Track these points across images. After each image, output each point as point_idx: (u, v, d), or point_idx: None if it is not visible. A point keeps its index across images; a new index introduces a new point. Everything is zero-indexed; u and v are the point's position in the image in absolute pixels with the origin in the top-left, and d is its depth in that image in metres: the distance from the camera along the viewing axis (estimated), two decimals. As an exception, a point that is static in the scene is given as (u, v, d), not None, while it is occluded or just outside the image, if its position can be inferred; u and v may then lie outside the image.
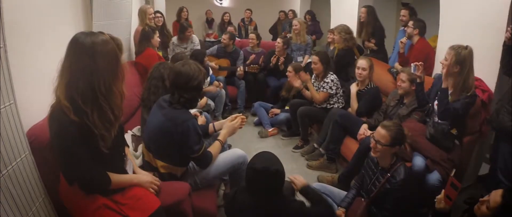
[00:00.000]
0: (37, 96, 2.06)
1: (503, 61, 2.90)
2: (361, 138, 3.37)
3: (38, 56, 2.22)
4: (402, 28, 4.75)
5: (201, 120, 3.13)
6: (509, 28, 2.73)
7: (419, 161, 2.86)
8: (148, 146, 2.51)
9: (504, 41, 2.84)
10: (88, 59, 1.60)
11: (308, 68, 5.21)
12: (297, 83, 4.30)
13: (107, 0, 3.48)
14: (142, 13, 4.65)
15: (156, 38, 4.11)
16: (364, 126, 3.45)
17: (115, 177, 1.85)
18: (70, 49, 1.62)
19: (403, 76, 3.36)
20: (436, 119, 2.92)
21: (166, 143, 2.35)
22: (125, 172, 2.01)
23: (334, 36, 4.89)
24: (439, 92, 2.85)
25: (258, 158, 2.03)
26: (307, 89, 4.28)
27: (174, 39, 5.48)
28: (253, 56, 5.59)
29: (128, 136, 2.93)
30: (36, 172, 1.98)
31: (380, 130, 2.48)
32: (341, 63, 4.66)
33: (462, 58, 2.69)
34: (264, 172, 1.92)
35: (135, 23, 4.78)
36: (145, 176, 2.12)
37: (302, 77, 4.23)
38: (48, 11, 2.45)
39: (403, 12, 4.72)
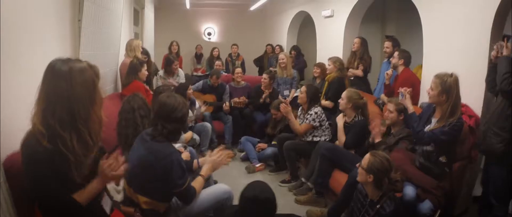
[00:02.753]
0: (19, 122, 1.98)
1: (488, 79, 2.92)
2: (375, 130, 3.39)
3: (22, 83, 2.16)
4: (386, 60, 4.82)
5: (185, 155, 3.06)
6: (495, 47, 2.77)
7: (409, 190, 2.80)
8: (130, 181, 2.41)
9: (490, 59, 2.88)
10: (65, 85, 1.57)
11: (294, 102, 5.22)
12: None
13: (96, 30, 3.47)
14: (130, 47, 4.63)
15: (144, 71, 4.08)
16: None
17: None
18: (46, 75, 1.59)
19: (390, 106, 3.36)
20: (425, 147, 2.90)
21: (148, 177, 2.27)
22: (101, 208, 1.91)
23: (328, 66, 4.95)
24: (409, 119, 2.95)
25: (250, 186, 2.14)
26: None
27: (161, 72, 5.48)
28: (243, 98, 5.59)
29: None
30: (10, 200, 1.88)
31: (366, 156, 2.50)
32: (337, 91, 4.63)
33: (448, 86, 2.72)
34: (255, 200, 2.00)
35: (122, 55, 4.76)
36: None
37: (282, 109, 4.21)
38: (35, 39, 2.43)
39: (387, 43, 4.82)
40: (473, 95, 3.24)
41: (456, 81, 2.76)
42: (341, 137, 3.79)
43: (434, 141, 2.81)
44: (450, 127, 2.73)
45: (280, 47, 8.68)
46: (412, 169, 2.92)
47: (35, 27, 2.46)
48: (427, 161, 2.88)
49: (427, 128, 2.91)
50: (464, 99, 3.05)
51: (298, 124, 4.17)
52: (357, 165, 2.57)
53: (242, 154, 5.18)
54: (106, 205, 1.95)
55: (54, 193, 1.62)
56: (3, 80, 1.93)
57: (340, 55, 5.74)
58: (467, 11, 3.37)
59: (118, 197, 2.58)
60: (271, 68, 7.68)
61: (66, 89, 1.58)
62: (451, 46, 3.56)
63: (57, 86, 1.57)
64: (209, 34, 11.18)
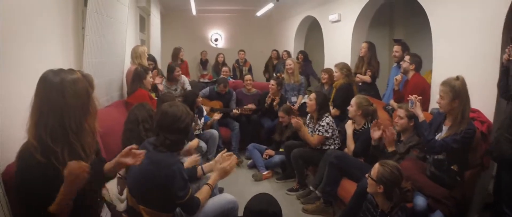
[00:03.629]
0: (20, 132, 1.95)
1: (500, 83, 2.84)
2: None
3: (23, 92, 2.11)
4: (396, 64, 4.73)
5: (193, 159, 3.02)
6: (507, 49, 2.69)
7: (420, 201, 2.72)
8: (132, 192, 2.36)
9: (502, 63, 2.79)
10: (57, 97, 1.55)
11: (302, 108, 5.14)
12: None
13: (100, 38, 3.44)
14: (135, 54, 4.59)
15: (149, 79, 4.04)
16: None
17: None
18: (38, 87, 1.57)
19: (400, 112, 3.26)
20: (436, 156, 2.81)
21: (150, 188, 2.21)
22: None
23: (335, 73, 4.86)
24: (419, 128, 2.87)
25: (256, 199, 2.05)
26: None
27: (164, 81, 5.45)
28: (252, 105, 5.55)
29: (114, 179, 2.78)
30: (8, 213, 1.84)
31: (376, 166, 2.42)
32: (345, 98, 4.54)
33: (458, 91, 2.64)
34: (261, 214, 1.92)
35: (128, 63, 4.73)
36: None
37: (294, 125, 4.11)
38: (38, 47, 2.41)
39: (396, 48, 4.70)
40: (485, 100, 3.14)
41: (463, 83, 2.67)
42: (350, 145, 3.70)
43: (445, 149, 2.73)
44: (462, 135, 2.64)
45: (288, 52, 8.60)
46: (423, 178, 2.84)
47: (38, 35, 2.45)
48: (439, 170, 2.81)
49: (438, 136, 2.82)
50: (476, 104, 2.98)
51: (310, 136, 4.08)
52: (367, 175, 2.48)
53: (249, 161, 5.12)
54: (106, 216, 1.90)
55: (43, 207, 1.57)
56: (5, 89, 1.90)
57: (348, 60, 5.67)
58: (477, 14, 3.28)
59: (121, 206, 2.54)
60: (278, 74, 7.62)
61: (57, 100, 1.55)
62: (461, 50, 3.47)
63: (49, 98, 1.55)
64: (216, 40, 11.15)
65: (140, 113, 2.91)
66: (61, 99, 1.55)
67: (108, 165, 1.83)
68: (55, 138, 1.55)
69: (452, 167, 2.77)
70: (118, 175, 2.83)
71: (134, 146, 1.83)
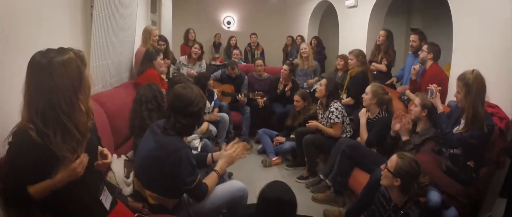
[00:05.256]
0: None
1: None
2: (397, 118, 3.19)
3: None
4: (411, 53, 4.60)
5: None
6: None
7: (435, 196, 2.60)
8: (138, 175, 2.30)
9: None
10: (46, 78, 1.50)
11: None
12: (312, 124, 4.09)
13: (109, 16, 3.36)
14: (146, 33, 4.51)
15: (159, 60, 3.95)
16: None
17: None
18: (28, 69, 1.52)
19: (416, 100, 3.17)
20: (453, 150, 2.72)
21: (156, 172, 2.15)
22: (99, 203, 1.80)
23: (350, 60, 4.74)
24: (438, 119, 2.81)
25: (270, 187, 2.07)
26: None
27: (182, 58, 5.38)
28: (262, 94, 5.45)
29: (120, 161, 2.76)
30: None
31: (393, 157, 2.34)
32: (360, 86, 4.42)
33: (470, 85, 2.59)
34: (277, 202, 1.95)
35: (138, 43, 4.66)
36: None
37: (311, 126, 4.05)
38: (45, 24, 2.36)
39: (413, 37, 4.56)
40: (505, 97, 3.01)
41: (477, 78, 2.59)
42: (363, 134, 3.60)
43: (463, 144, 2.64)
44: (481, 130, 2.55)
45: (301, 37, 8.47)
46: (438, 173, 2.76)
47: (45, 13, 2.39)
48: (455, 165, 2.72)
49: (455, 130, 2.73)
50: (495, 100, 2.90)
51: (330, 129, 3.97)
52: (382, 166, 2.39)
53: (259, 146, 5.05)
54: (106, 200, 1.85)
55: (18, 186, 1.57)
56: (9, 69, 1.86)
57: (364, 48, 5.54)
58: (501, 8, 3.12)
59: (127, 190, 2.51)
60: (290, 59, 7.50)
61: (46, 83, 1.50)
62: (483, 42, 3.33)
63: (37, 81, 1.50)
64: (229, 23, 11.01)
65: (145, 93, 2.85)
66: (49, 81, 1.50)
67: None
68: (46, 120, 1.51)
69: (468, 163, 2.69)
70: (125, 158, 2.79)
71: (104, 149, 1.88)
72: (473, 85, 2.58)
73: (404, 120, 3.12)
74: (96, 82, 3.28)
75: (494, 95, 2.70)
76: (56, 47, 1.60)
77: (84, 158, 1.61)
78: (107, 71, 3.55)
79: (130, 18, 4.11)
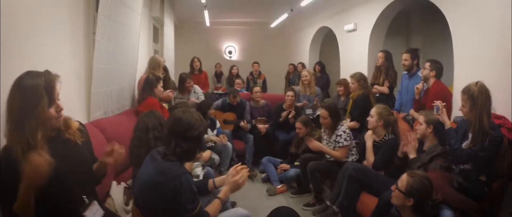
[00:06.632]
0: None
1: None
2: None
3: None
4: (405, 72, 4.59)
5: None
6: None
7: (448, 214, 2.52)
8: (138, 202, 2.21)
9: None
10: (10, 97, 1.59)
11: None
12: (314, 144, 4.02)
13: (111, 44, 3.37)
14: (154, 63, 4.50)
15: (160, 88, 3.94)
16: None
17: None
18: None
19: (420, 118, 3.12)
20: (463, 165, 2.66)
21: (156, 199, 2.05)
22: None
23: (351, 85, 4.73)
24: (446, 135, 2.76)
25: (277, 212, 2.07)
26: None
27: (175, 93, 5.36)
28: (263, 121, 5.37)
29: (120, 188, 2.70)
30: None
31: (403, 177, 2.28)
32: (363, 109, 4.40)
33: (475, 97, 2.57)
34: None
35: (140, 72, 4.67)
36: None
37: (312, 148, 3.98)
38: (47, 50, 2.41)
39: (405, 56, 4.52)
40: (510, 107, 2.97)
41: (482, 89, 2.57)
42: (370, 157, 3.51)
43: (473, 158, 2.59)
44: (489, 142, 2.51)
45: (302, 64, 8.52)
46: (450, 190, 2.67)
47: (48, 39, 2.43)
48: (466, 181, 2.65)
49: (464, 145, 2.68)
50: (501, 111, 2.88)
51: (334, 152, 3.90)
52: (393, 187, 2.30)
53: (263, 175, 4.98)
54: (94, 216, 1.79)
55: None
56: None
57: (365, 71, 5.53)
58: (499, 18, 3.14)
59: (127, 217, 2.41)
60: (293, 87, 7.50)
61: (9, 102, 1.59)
62: (484, 55, 3.34)
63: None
64: (230, 52, 11.13)
65: (150, 120, 2.77)
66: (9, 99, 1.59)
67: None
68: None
69: (480, 177, 2.61)
70: (125, 185, 2.71)
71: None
72: (478, 96, 2.56)
73: (409, 138, 3.06)
74: (97, 108, 3.26)
75: (499, 106, 2.70)
76: (58, 70, 1.66)
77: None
78: (109, 98, 3.54)
79: (132, 46, 4.14)
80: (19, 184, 1.50)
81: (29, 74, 1.62)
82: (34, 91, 1.58)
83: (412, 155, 3.04)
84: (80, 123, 1.98)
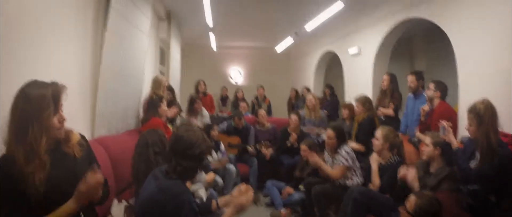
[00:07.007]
0: None
1: None
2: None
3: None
4: (411, 94, 4.59)
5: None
6: None
7: None
8: (139, 222, 2.17)
9: None
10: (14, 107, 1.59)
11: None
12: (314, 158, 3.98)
13: (117, 63, 3.42)
14: (156, 83, 4.53)
15: (163, 108, 3.95)
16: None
17: None
18: None
19: (427, 139, 3.08)
20: (472, 186, 2.63)
21: (157, 218, 2.02)
22: None
23: (356, 108, 4.73)
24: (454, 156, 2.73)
25: None
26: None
27: (183, 114, 5.35)
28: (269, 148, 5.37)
29: (121, 206, 2.65)
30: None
31: (411, 197, 2.26)
32: (368, 131, 4.35)
33: (482, 115, 2.56)
34: None
35: (145, 93, 4.70)
36: None
37: (312, 163, 3.95)
38: (55, 67, 2.45)
39: (410, 78, 4.57)
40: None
41: (488, 107, 2.57)
42: (376, 180, 3.46)
43: (481, 178, 2.55)
44: (497, 161, 2.48)
45: (308, 89, 8.53)
46: (459, 211, 2.63)
47: (56, 54, 2.48)
48: (476, 201, 2.61)
49: (472, 164, 2.65)
50: (507, 129, 2.84)
51: (330, 169, 3.87)
52: (401, 209, 2.25)
53: (267, 199, 4.91)
54: None
55: None
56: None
57: (370, 94, 5.54)
58: (503, 38, 3.18)
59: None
60: (298, 110, 7.50)
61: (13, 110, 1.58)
62: (488, 73, 3.39)
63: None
64: (236, 76, 11.21)
65: (150, 136, 2.76)
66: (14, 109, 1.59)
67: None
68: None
69: (489, 197, 2.59)
70: (125, 204, 2.68)
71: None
72: (485, 114, 2.55)
73: (408, 175, 3.03)
74: (101, 125, 3.28)
75: (504, 123, 2.65)
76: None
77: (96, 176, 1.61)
78: (113, 116, 3.55)
79: (138, 66, 4.18)
80: (17, 193, 1.50)
81: (36, 83, 1.62)
82: (41, 100, 1.57)
83: (416, 187, 2.95)
84: (82, 136, 1.95)
